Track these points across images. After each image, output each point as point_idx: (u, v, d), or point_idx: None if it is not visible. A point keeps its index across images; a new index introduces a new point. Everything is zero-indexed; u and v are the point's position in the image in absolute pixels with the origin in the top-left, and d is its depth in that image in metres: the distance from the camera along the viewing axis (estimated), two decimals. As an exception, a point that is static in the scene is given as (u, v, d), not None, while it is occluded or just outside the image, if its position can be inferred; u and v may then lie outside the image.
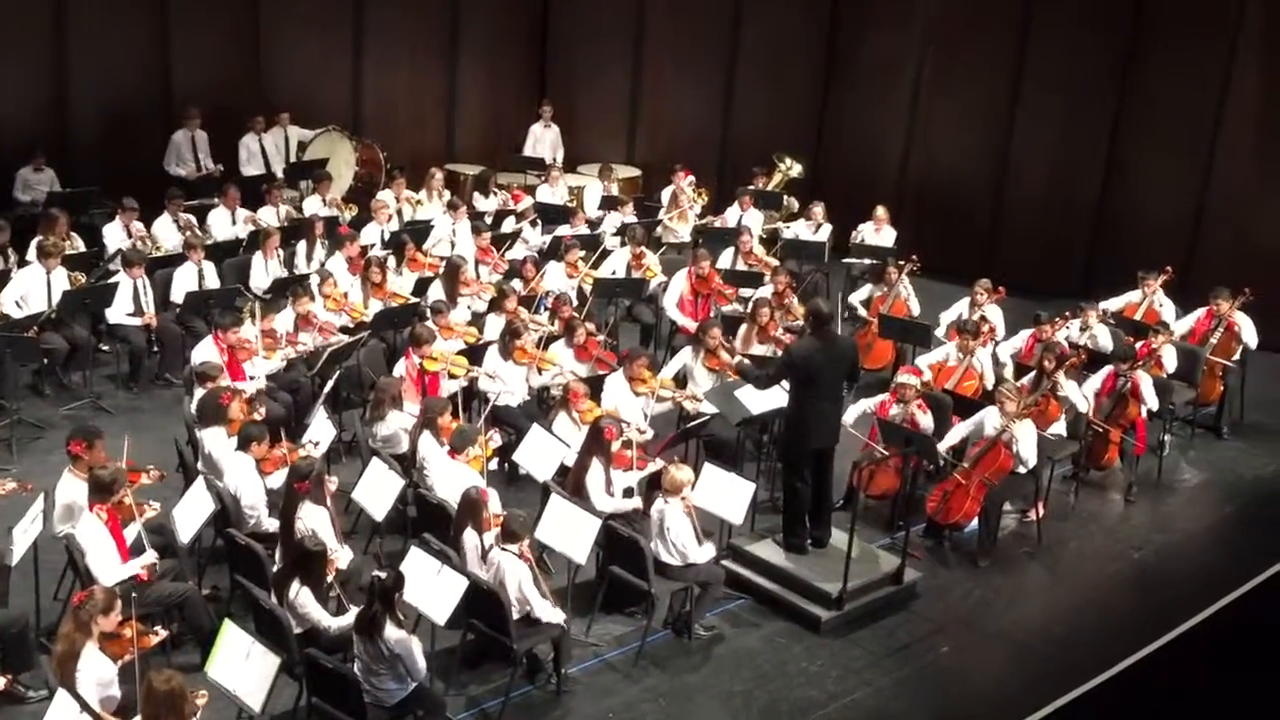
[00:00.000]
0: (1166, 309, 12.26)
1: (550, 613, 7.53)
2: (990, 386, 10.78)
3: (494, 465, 9.25)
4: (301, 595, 7.18)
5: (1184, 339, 11.76)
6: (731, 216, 14.86)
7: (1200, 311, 12.04)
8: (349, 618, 7.15)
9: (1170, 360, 11.24)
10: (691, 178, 15.41)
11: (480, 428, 9.01)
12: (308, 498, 7.82)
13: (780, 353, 10.85)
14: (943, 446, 9.73)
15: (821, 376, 8.65)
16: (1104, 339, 11.62)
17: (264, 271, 12.24)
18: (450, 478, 8.51)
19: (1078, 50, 15.19)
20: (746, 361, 10.05)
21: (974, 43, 15.84)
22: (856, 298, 12.93)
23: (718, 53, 17.35)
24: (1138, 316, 12.16)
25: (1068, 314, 11.64)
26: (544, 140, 17.04)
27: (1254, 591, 9.19)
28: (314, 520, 7.79)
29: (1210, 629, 8.72)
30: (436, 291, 11.78)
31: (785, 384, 9.07)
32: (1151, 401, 10.53)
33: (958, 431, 9.86)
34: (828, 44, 16.92)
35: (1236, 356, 11.81)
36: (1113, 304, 12.44)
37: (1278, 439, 11.97)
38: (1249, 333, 11.78)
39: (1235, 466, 11.43)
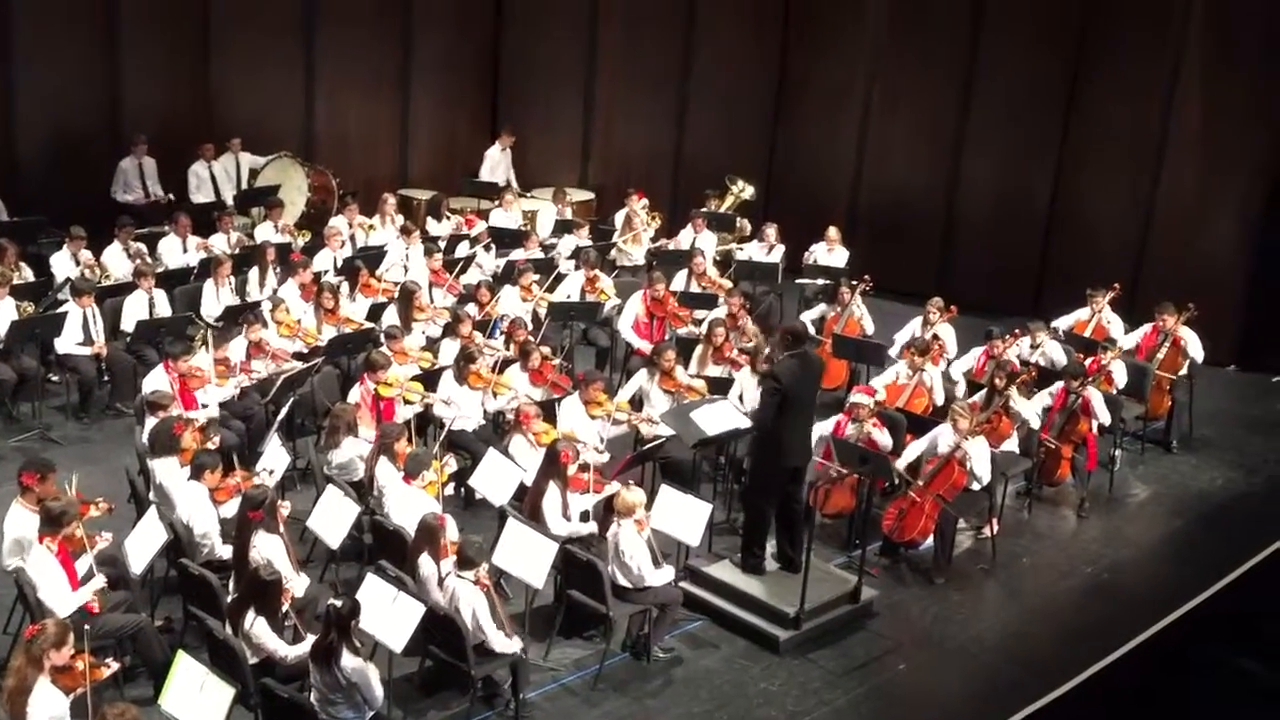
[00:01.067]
0: (1115, 325, 12.41)
1: (504, 643, 7.47)
2: (940, 403, 10.87)
3: (450, 490, 9.22)
4: (257, 625, 7.12)
5: (1131, 354, 11.90)
6: (685, 239, 14.91)
7: (1146, 327, 12.20)
8: (305, 646, 7.10)
9: (1120, 375, 11.38)
10: (645, 201, 15.46)
11: (435, 453, 8.98)
12: (261, 526, 7.77)
13: (733, 373, 10.93)
14: (900, 465, 9.79)
15: (801, 395, 8.74)
16: (1056, 355, 11.75)
17: (215, 299, 12.16)
18: (407, 504, 8.47)
19: (1024, 72, 15.39)
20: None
21: (922, 66, 16.00)
22: (808, 317, 13.02)
23: (670, 77, 17.43)
24: (1087, 333, 12.30)
25: (1018, 331, 11.77)
26: (500, 164, 17.09)
27: (1205, 604, 9.31)
28: (268, 549, 7.73)
29: (1163, 641, 8.83)
30: (390, 317, 11.75)
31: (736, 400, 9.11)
32: (1103, 416, 10.66)
33: (913, 449, 9.94)
34: (779, 67, 17.05)
35: (1184, 371, 11.97)
36: (1062, 322, 12.59)
37: (1225, 452, 12.14)
38: (1195, 347, 11.94)
39: (1184, 480, 11.58)
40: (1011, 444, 10.30)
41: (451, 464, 9.14)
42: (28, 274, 12.08)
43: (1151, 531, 10.85)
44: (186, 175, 15.23)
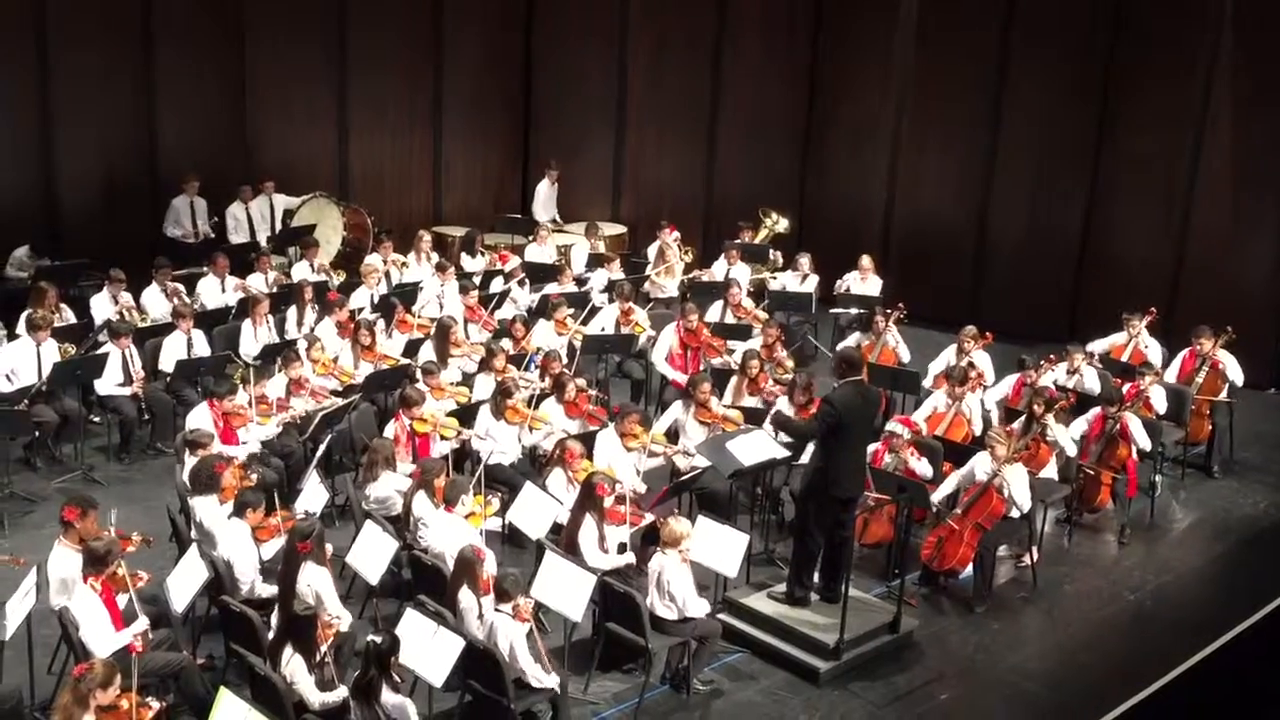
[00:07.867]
0: (1153, 349, 12.34)
1: (541, 678, 7.44)
2: (979, 432, 10.82)
3: (495, 525, 9.22)
4: (293, 663, 7.11)
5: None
6: (719, 270, 14.97)
7: (1185, 352, 12.12)
8: (335, 695, 7.04)
9: (1160, 401, 11.31)
10: (677, 233, 15.53)
11: (474, 485, 8.98)
12: (310, 558, 7.78)
13: (767, 403, 10.92)
14: (936, 497, 9.71)
15: (856, 424, 8.63)
16: (1091, 381, 11.67)
17: (254, 338, 12.27)
18: (448, 533, 8.49)
19: (1053, 100, 15.41)
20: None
21: (951, 96, 16.04)
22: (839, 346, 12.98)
23: (699, 110, 17.55)
24: (1124, 358, 12.23)
25: (1053, 357, 11.71)
26: (552, 197, 17.29)
27: (1250, 630, 9.20)
28: (318, 582, 7.74)
29: (1208, 669, 8.72)
30: (427, 353, 11.83)
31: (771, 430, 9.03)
32: (1142, 442, 10.58)
33: (950, 481, 9.86)
34: (808, 99, 17.14)
35: (1224, 394, 11.87)
36: (1098, 346, 12.52)
37: (1267, 476, 12.04)
38: (1234, 370, 11.86)
39: (1227, 505, 11.47)
40: (1050, 470, 10.25)
41: (495, 504, 9.16)
42: (69, 316, 12.24)
43: (1194, 557, 10.73)
44: (224, 217, 15.44)
